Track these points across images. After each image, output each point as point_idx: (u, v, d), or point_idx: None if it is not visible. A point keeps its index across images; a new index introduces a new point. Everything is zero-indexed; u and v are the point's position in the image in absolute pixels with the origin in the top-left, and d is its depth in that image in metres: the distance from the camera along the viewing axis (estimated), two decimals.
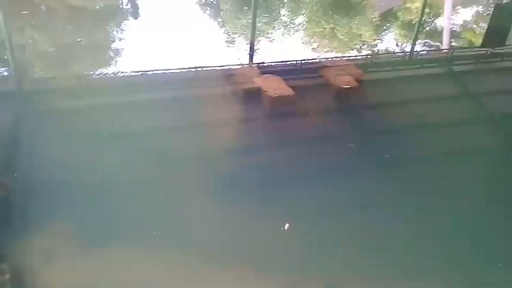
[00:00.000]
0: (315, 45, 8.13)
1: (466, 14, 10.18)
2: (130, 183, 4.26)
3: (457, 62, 7.55)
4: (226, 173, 4.52)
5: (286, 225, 3.95)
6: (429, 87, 6.59)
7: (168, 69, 6.14)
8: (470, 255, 3.90)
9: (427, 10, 9.52)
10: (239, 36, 7.88)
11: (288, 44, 7.88)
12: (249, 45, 7.26)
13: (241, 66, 6.56)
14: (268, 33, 8.15)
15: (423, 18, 8.96)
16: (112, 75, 6.13)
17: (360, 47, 8.15)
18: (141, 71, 6.06)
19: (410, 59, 7.61)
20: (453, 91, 6.77)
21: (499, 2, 9.74)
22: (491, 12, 9.52)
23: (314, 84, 6.30)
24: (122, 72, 6.18)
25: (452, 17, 9.70)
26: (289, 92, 5.89)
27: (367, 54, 7.75)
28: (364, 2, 9.47)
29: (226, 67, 6.38)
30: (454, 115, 6.01)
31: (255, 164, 4.75)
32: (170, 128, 5.15)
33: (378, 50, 8.26)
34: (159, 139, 4.92)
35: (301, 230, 3.96)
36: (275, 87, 5.92)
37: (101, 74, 6.10)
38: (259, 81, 6.04)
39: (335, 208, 4.27)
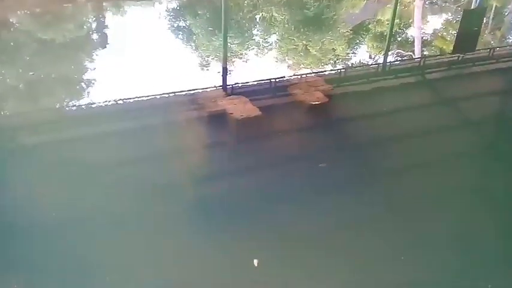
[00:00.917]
0: (288, 62, 8.16)
1: (436, 22, 10.34)
2: (88, 219, 4.05)
3: (429, 70, 7.61)
4: (191, 203, 4.31)
5: (256, 261, 3.65)
6: (402, 97, 6.57)
7: (132, 98, 5.96)
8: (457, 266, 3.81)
9: (397, 21, 9.66)
10: (212, 59, 7.87)
11: (262, 63, 7.88)
12: (221, 68, 7.24)
13: (209, 89, 6.35)
14: (241, 54, 8.16)
15: (394, 30, 9.07)
16: (77, 107, 5.98)
17: (334, 62, 8.19)
18: (106, 102, 5.93)
19: (383, 70, 7.64)
20: (427, 99, 6.78)
21: (467, 8, 9.91)
22: (460, 19, 9.68)
23: (283, 103, 6.14)
24: (88, 104, 6.04)
25: (422, 26, 9.84)
26: (256, 112, 5.69)
27: (341, 68, 7.78)
28: (335, 17, 9.56)
29: (194, 91, 6.18)
30: (429, 123, 5.97)
31: (220, 191, 4.49)
32: (133, 158, 4.92)
33: (352, 63, 8.31)
34: (121, 170, 4.69)
35: (272, 264, 3.67)
36: (241, 108, 5.75)
37: (67, 106, 5.99)
38: (225, 104, 5.87)
39: (308, 235, 4.01)
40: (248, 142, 5.45)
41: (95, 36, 8.69)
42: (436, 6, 11.24)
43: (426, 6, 10.92)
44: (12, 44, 7.87)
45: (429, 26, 10.15)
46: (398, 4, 9.88)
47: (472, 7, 9.51)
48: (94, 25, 9.10)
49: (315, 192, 4.54)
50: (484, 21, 9.55)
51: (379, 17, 10.33)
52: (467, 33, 8.74)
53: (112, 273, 3.53)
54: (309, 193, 4.51)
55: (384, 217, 4.25)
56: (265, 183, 4.64)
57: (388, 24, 9.39)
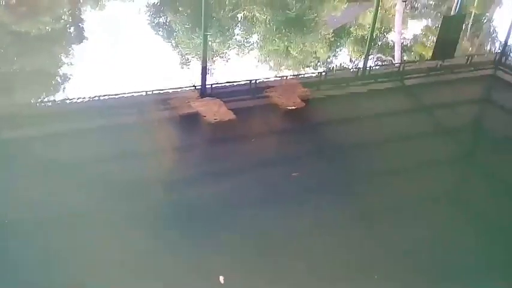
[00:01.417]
0: (268, 64, 8.10)
1: (416, 27, 10.40)
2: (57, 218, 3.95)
3: (408, 76, 7.64)
4: (153, 205, 4.19)
5: (221, 278, 3.50)
6: (380, 103, 6.56)
7: (103, 95, 5.78)
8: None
9: (377, 25, 9.68)
10: (191, 57, 7.75)
11: (241, 63, 7.80)
12: (200, 67, 7.13)
13: (184, 88, 6.18)
14: (221, 53, 8.06)
15: (374, 34, 9.09)
16: (46, 103, 5.83)
17: (314, 65, 8.16)
18: (75, 98, 5.77)
19: (363, 75, 7.64)
20: (405, 105, 6.80)
21: (447, 15, 10.00)
22: (439, 25, 9.75)
23: (259, 106, 6.01)
24: (56, 100, 5.87)
25: (402, 31, 9.88)
26: (229, 116, 5.50)
27: (320, 72, 7.76)
28: (317, 19, 9.52)
29: (168, 91, 6.01)
30: (406, 129, 5.99)
31: (182, 196, 4.36)
32: (101, 159, 4.77)
33: (331, 67, 8.30)
34: (90, 170, 4.54)
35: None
36: (215, 111, 5.57)
37: (37, 101, 5.81)
38: (198, 106, 5.66)
39: (276, 248, 3.87)
40: (218, 146, 5.27)
41: (70, 30, 8.48)
42: (417, 11, 11.31)
43: (407, 11, 10.97)
44: None
45: (409, 32, 10.21)
46: (379, 8, 9.92)
47: (451, 13, 9.60)
48: (70, 18, 8.89)
49: (283, 200, 4.43)
50: (463, 28, 9.64)
51: (360, 21, 10.35)
52: (447, 40, 8.81)
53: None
54: (277, 201, 4.40)
55: (355, 225, 4.18)
56: (229, 190, 4.48)
57: (369, 28, 9.41)
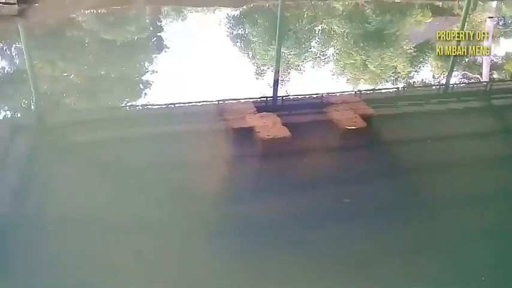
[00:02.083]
0: (346, 78, 7.88)
1: (507, 44, 9.67)
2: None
3: (495, 96, 7.07)
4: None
5: None
6: (459, 124, 6.05)
7: (166, 104, 5.89)
8: None
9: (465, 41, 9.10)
10: (264, 69, 7.75)
11: (310, 77, 7.64)
12: (273, 78, 7.09)
13: (245, 100, 6.02)
14: (296, 65, 7.98)
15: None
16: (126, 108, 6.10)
17: (390, 80, 7.82)
18: (140, 105, 6.01)
19: (444, 92, 7.18)
20: (486, 126, 6.22)
21: None
22: None
23: (318, 124, 5.63)
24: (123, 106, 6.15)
25: (492, 48, 9.22)
26: (284, 133, 5.19)
27: (395, 87, 7.39)
28: (397, 32, 9.16)
29: (229, 102, 5.91)
30: (486, 154, 5.43)
31: (227, 212, 4.19)
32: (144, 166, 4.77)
33: (411, 82, 7.90)
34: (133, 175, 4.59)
35: None
36: (269, 127, 5.29)
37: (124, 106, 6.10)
38: (253, 121, 5.41)
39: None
40: (268, 165, 5.01)
41: (149, 39, 8.83)
42: (509, 28, 10.52)
43: (499, 27, 10.25)
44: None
45: (500, 49, 9.50)
46: (466, 24, 9.34)
47: None
48: (150, 28, 9.27)
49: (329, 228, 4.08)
50: None
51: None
52: None
53: None
54: (323, 228, 4.07)
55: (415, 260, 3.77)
56: (275, 212, 4.20)
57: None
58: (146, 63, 7.59)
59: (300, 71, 7.78)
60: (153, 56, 7.93)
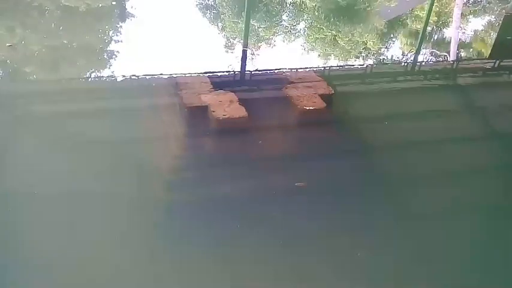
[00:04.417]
0: (315, 52, 7.80)
1: (475, 24, 9.75)
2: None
3: (462, 75, 7.13)
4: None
5: None
6: (424, 101, 6.10)
7: (122, 76, 5.68)
8: None
9: (435, 19, 9.14)
10: (235, 42, 7.59)
11: (286, 50, 7.53)
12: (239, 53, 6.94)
13: (200, 75, 5.74)
14: (265, 39, 7.85)
15: (427, 28, 8.57)
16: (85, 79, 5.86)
17: (360, 56, 7.79)
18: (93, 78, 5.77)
19: (411, 71, 7.20)
20: (452, 105, 6.28)
21: (510, 13, 9.30)
22: (500, 24, 9.08)
23: (276, 102, 5.36)
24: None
25: (460, 26, 9.28)
26: (240, 113, 4.90)
27: (366, 65, 7.37)
28: (368, 9, 9.10)
29: (185, 76, 5.64)
30: (450, 132, 5.47)
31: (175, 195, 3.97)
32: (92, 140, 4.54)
33: (380, 59, 7.89)
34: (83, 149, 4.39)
35: None
36: (225, 106, 4.98)
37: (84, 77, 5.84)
38: (209, 99, 5.09)
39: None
40: (221, 146, 4.73)
41: (113, 7, 8.50)
42: (478, 7, 10.60)
43: (468, 5, 10.31)
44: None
45: (469, 27, 9.58)
46: (436, 1, 9.34)
47: None
48: None
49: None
50: None
51: (417, 13, 9.82)
52: (507, 39, 8.19)
53: None
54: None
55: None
56: (224, 195, 4.01)
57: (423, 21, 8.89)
58: (109, 33, 7.30)
59: (268, 46, 7.65)
60: (116, 25, 7.63)
